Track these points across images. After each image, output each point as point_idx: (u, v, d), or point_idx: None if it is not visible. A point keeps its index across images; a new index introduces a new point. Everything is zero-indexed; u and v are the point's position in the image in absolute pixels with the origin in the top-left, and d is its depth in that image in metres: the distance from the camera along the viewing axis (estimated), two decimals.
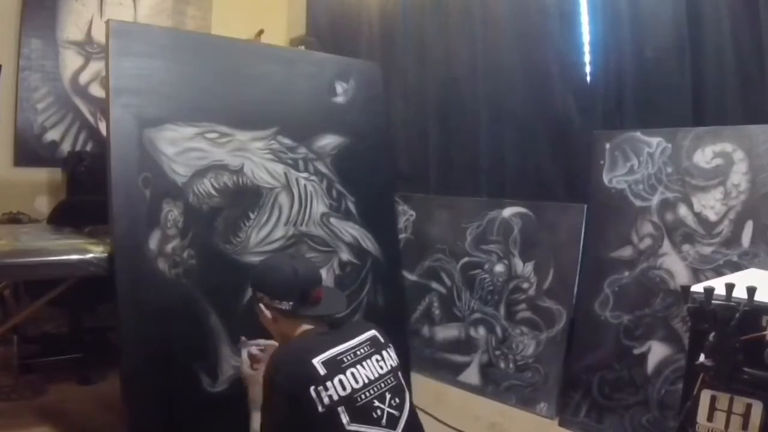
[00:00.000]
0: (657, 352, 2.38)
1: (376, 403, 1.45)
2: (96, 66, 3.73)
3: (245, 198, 2.36)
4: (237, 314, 2.28)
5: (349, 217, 2.66)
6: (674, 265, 2.38)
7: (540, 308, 2.83)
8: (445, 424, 2.65)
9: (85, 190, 3.23)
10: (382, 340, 1.59)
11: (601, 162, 2.63)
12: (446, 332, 3.20)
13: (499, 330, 2.97)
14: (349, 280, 2.62)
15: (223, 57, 2.45)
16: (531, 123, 3.05)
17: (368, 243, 2.70)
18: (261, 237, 2.38)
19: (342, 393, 1.42)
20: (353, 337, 1.54)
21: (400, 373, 1.57)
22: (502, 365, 2.92)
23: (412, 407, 1.55)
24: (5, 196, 3.45)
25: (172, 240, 2.16)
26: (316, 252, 2.53)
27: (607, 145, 2.62)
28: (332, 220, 2.60)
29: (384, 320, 2.68)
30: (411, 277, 3.35)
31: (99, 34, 3.63)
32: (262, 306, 1.62)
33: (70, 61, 3.71)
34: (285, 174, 2.48)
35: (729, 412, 1.21)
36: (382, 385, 1.50)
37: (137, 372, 2.06)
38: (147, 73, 2.19)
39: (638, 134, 2.54)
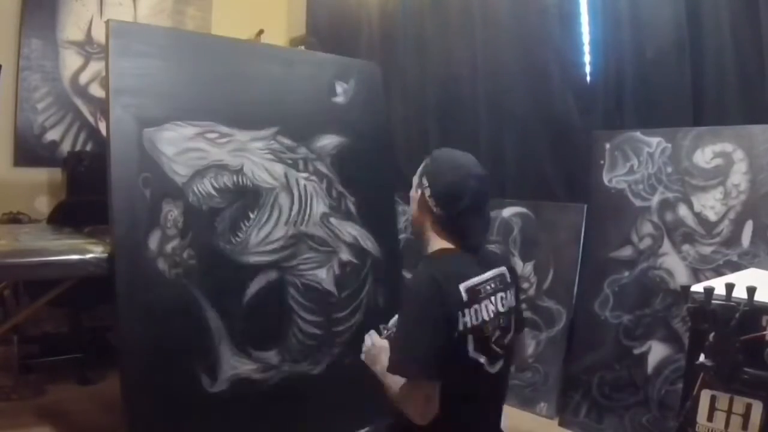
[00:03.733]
0: (657, 352, 2.38)
1: (493, 338, 1.49)
2: (96, 66, 3.73)
3: (245, 198, 2.36)
4: (237, 314, 2.27)
5: (349, 217, 2.65)
6: (674, 265, 2.38)
7: (540, 308, 2.83)
8: None
9: (85, 190, 3.22)
10: (509, 280, 1.58)
11: (601, 162, 2.63)
12: None
13: None
14: (349, 280, 2.61)
15: (223, 57, 2.45)
16: (531, 123, 3.05)
17: (368, 243, 2.70)
18: (261, 237, 2.38)
19: (475, 322, 1.44)
20: (488, 269, 1.53)
21: (513, 317, 1.58)
22: None
23: (510, 351, 1.57)
24: (5, 196, 3.45)
25: (172, 240, 2.16)
26: (315, 252, 2.53)
27: (607, 145, 2.62)
28: (332, 220, 2.60)
29: (384, 320, 2.68)
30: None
31: (99, 34, 3.63)
32: (417, 194, 1.57)
33: (70, 61, 3.71)
34: (285, 174, 2.48)
35: (729, 412, 1.21)
36: (500, 322, 1.52)
37: (137, 372, 2.06)
38: (147, 73, 2.19)
39: (638, 134, 2.54)
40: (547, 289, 2.82)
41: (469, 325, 1.43)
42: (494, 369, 1.49)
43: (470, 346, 1.44)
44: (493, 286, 1.52)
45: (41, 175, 3.65)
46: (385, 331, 1.61)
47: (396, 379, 1.41)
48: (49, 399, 2.81)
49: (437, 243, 1.54)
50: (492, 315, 1.49)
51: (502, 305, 1.53)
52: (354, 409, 2.46)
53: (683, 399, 1.37)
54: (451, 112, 3.41)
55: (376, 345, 1.57)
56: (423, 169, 1.61)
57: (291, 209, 2.49)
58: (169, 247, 2.14)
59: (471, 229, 1.55)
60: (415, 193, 1.59)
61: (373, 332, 1.62)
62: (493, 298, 1.51)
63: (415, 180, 1.60)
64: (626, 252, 2.53)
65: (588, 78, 2.88)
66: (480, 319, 1.45)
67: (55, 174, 3.63)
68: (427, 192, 1.53)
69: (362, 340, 1.62)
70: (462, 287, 1.44)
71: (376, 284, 2.68)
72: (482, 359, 1.46)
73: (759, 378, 1.16)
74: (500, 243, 3.03)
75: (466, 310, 1.43)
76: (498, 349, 1.50)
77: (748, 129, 2.27)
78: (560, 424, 2.62)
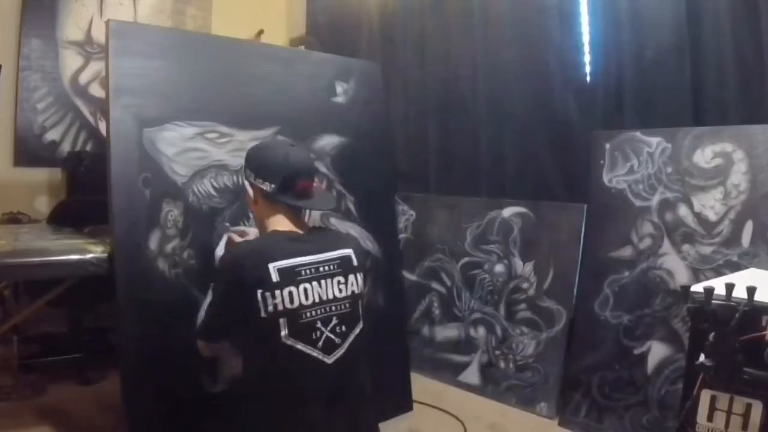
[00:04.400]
0: (657, 352, 2.38)
1: (318, 325, 1.43)
2: (96, 66, 3.73)
3: (245, 198, 2.36)
4: None
5: (349, 217, 2.65)
6: (674, 265, 2.38)
7: (540, 308, 2.83)
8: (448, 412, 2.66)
9: (85, 190, 3.22)
10: (355, 264, 1.52)
11: (601, 162, 2.63)
12: (446, 332, 3.20)
13: (499, 330, 2.97)
14: None
15: (223, 57, 2.45)
16: (531, 123, 3.05)
17: (368, 243, 2.70)
18: None
19: (288, 305, 1.40)
20: (323, 251, 1.48)
21: (360, 302, 1.52)
22: (502, 365, 2.92)
23: (361, 343, 1.50)
24: (5, 196, 3.45)
25: (172, 240, 2.16)
26: None
27: (607, 145, 2.62)
28: (332, 220, 2.60)
29: (384, 320, 2.68)
30: (411, 277, 3.35)
31: (99, 34, 3.63)
32: (247, 183, 1.59)
33: (70, 61, 3.71)
34: None
35: (729, 412, 1.21)
36: (333, 308, 1.46)
37: (137, 372, 2.06)
38: (147, 73, 2.19)
39: (638, 134, 2.54)
40: (547, 289, 2.83)
41: (280, 307, 1.39)
42: (330, 359, 1.44)
43: (283, 331, 1.39)
44: (324, 269, 1.46)
45: (41, 175, 3.65)
46: (232, 234, 1.82)
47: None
48: (49, 399, 2.81)
49: (272, 224, 1.54)
50: (316, 300, 1.43)
51: (340, 290, 1.47)
52: None
53: (683, 399, 1.37)
54: (451, 111, 3.41)
55: (218, 255, 1.75)
56: (244, 161, 1.65)
57: None
58: (169, 247, 2.14)
59: (305, 201, 1.55)
60: (248, 191, 1.60)
61: (228, 234, 1.85)
62: (323, 282, 1.45)
63: (245, 181, 1.63)
64: (626, 252, 2.53)
65: (588, 78, 2.88)
66: (297, 303, 1.40)
67: (55, 174, 3.63)
68: (252, 176, 1.58)
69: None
70: (272, 266, 1.40)
71: (376, 284, 2.68)
72: (301, 346, 1.40)
73: (759, 378, 1.16)
74: (500, 243, 3.03)
75: (276, 292, 1.39)
76: (335, 338, 1.44)
77: (748, 129, 2.27)
78: (560, 424, 2.62)
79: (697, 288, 1.31)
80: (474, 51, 3.27)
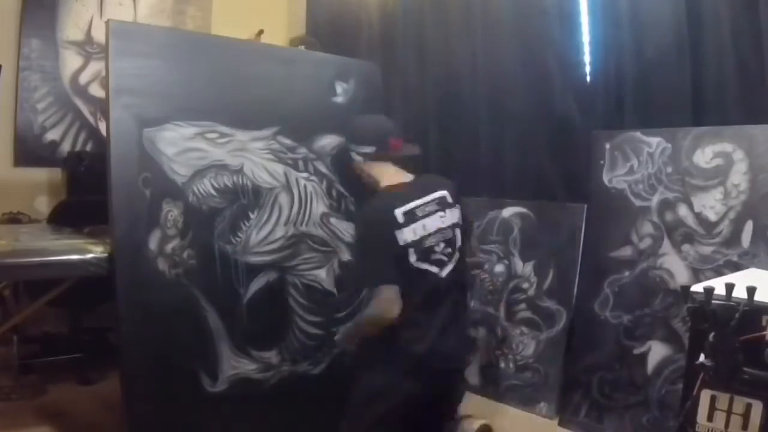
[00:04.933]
0: (657, 352, 2.38)
1: (435, 248, 1.87)
2: (96, 66, 3.73)
3: (245, 198, 2.36)
4: (237, 314, 2.28)
5: (349, 217, 2.65)
6: (674, 265, 2.38)
7: (540, 308, 2.83)
8: None
9: (85, 190, 3.22)
10: (450, 200, 1.94)
11: (601, 162, 2.63)
12: None
13: (499, 330, 2.97)
14: (349, 280, 2.62)
15: (223, 57, 2.45)
16: (531, 123, 3.05)
17: None
18: (261, 237, 2.38)
19: (413, 238, 1.84)
20: (427, 194, 1.92)
21: (457, 230, 1.95)
22: (502, 365, 2.92)
23: (461, 263, 1.95)
24: (5, 196, 3.45)
25: (172, 240, 2.16)
26: (315, 252, 2.53)
27: (607, 145, 2.62)
28: (332, 220, 2.60)
29: None
30: None
31: (99, 34, 3.63)
32: (353, 155, 2.01)
33: (70, 61, 3.71)
34: (285, 174, 2.48)
35: (729, 412, 1.21)
36: (441, 236, 1.89)
37: (137, 372, 2.06)
38: (147, 73, 2.19)
39: (638, 134, 2.54)
40: (547, 289, 2.82)
41: (409, 240, 1.84)
42: (443, 272, 1.88)
43: (412, 258, 1.84)
44: (431, 207, 1.90)
45: (41, 175, 3.65)
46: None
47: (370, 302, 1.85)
48: (49, 399, 2.81)
49: (383, 179, 1.99)
50: (431, 231, 1.87)
51: (442, 222, 1.90)
52: None
53: (683, 399, 1.37)
54: (451, 112, 3.41)
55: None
56: (346, 142, 2.15)
57: (291, 209, 2.49)
58: (169, 247, 2.15)
59: (395, 152, 2.02)
60: (357, 166, 2.04)
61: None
62: (432, 216, 1.89)
63: (347, 156, 2.07)
64: (626, 252, 2.53)
65: (588, 78, 2.88)
66: (418, 235, 1.85)
67: (55, 174, 3.63)
68: (353, 146, 2.02)
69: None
70: (398, 212, 1.85)
71: None
72: (425, 266, 1.85)
73: (759, 378, 1.16)
74: (500, 243, 3.03)
75: (404, 229, 1.83)
76: (444, 257, 1.89)
77: (748, 129, 2.26)
78: (560, 424, 2.62)
79: (697, 288, 1.31)
80: (474, 51, 3.27)
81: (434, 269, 1.87)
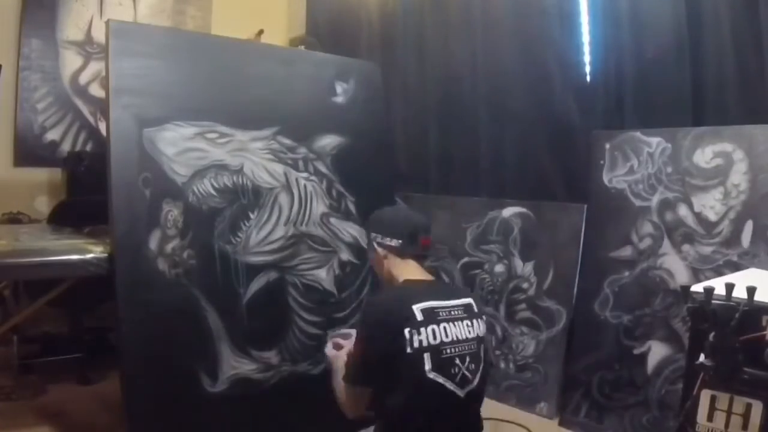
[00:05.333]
0: (657, 352, 2.38)
1: (457, 361, 1.57)
2: (96, 66, 3.72)
3: (245, 198, 2.36)
4: (237, 314, 2.27)
5: (349, 217, 2.65)
6: (674, 265, 2.38)
7: (540, 308, 2.83)
8: None
9: (85, 190, 3.22)
10: (476, 310, 1.69)
11: (601, 162, 2.63)
12: None
13: (499, 330, 2.97)
14: (349, 280, 2.61)
15: (223, 57, 2.45)
16: (531, 123, 3.05)
17: None
18: (261, 237, 2.38)
19: (432, 341, 1.54)
20: (452, 298, 1.66)
21: (482, 346, 1.67)
22: (502, 365, 2.92)
23: (483, 381, 1.65)
24: (5, 196, 3.45)
25: (172, 240, 2.16)
26: (315, 252, 2.53)
27: (607, 145, 2.62)
28: (332, 220, 2.60)
29: None
30: None
31: (99, 34, 3.63)
32: (375, 244, 1.77)
33: (70, 61, 3.71)
34: (285, 174, 2.48)
35: (729, 412, 1.21)
36: (466, 347, 1.60)
37: (137, 372, 2.06)
38: (147, 73, 2.19)
39: (638, 134, 2.54)
40: (547, 289, 2.82)
41: (425, 343, 1.53)
42: (463, 392, 1.57)
43: (427, 366, 1.52)
44: (456, 312, 1.62)
45: (41, 175, 3.65)
46: (336, 338, 1.83)
47: (340, 381, 1.63)
48: (49, 399, 2.81)
49: (403, 275, 1.72)
50: (454, 338, 1.58)
51: (469, 332, 1.62)
52: None
53: (683, 399, 1.37)
54: (451, 112, 3.41)
55: (330, 354, 1.79)
56: (367, 228, 1.86)
57: (291, 209, 2.49)
58: (169, 247, 2.14)
59: (423, 250, 1.76)
60: (372, 249, 1.79)
61: (331, 342, 1.83)
62: (456, 323, 1.60)
63: (370, 243, 1.81)
64: (626, 252, 2.53)
65: (588, 78, 2.88)
66: (438, 340, 1.55)
67: (55, 174, 3.63)
68: (378, 237, 1.77)
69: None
70: (416, 307, 1.55)
71: (376, 284, 2.68)
72: (442, 380, 1.54)
73: (759, 378, 1.16)
74: (500, 243, 3.03)
75: (422, 329, 1.53)
76: (468, 374, 1.58)
77: (748, 129, 2.27)
78: (560, 424, 2.62)
79: (697, 288, 1.31)
80: (474, 51, 3.27)
81: (452, 387, 1.55)
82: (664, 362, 2.35)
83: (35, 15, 3.59)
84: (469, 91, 3.31)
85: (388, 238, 1.74)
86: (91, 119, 3.76)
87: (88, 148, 3.71)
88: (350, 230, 2.64)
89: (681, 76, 2.51)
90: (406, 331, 1.52)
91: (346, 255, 2.62)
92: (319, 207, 2.57)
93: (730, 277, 1.59)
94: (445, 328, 1.57)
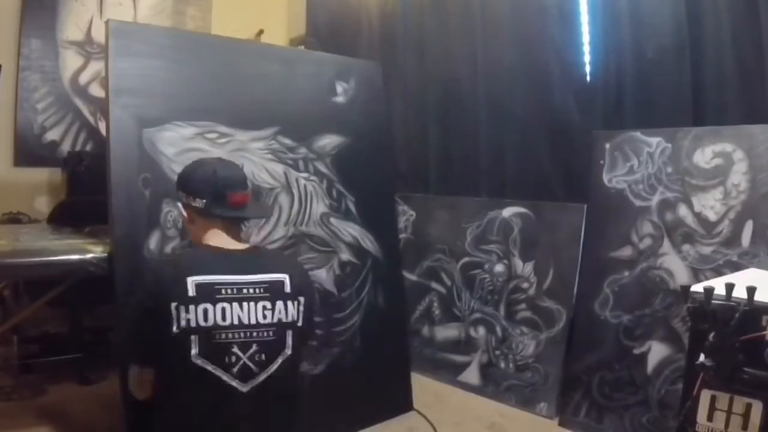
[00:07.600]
0: (657, 352, 2.38)
1: (235, 349, 1.35)
2: (96, 66, 3.73)
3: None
4: None
5: (349, 217, 2.65)
6: (674, 265, 2.38)
7: (540, 308, 2.83)
8: None
9: (85, 190, 3.22)
10: (288, 290, 1.43)
11: (601, 162, 2.63)
12: (446, 332, 3.20)
13: (499, 330, 2.97)
14: (349, 280, 2.62)
15: (223, 57, 2.45)
16: (531, 123, 3.05)
17: (368, 243, 2.70)
18: (261, 237, 2.38)
19: (201, 323, 1.33)
20: (251, 273, 1.41)
21: (290, 333, 1.43)
22: (502, 365, 2.92)
23: (286, 375, 1.43)
24: (5, 196, 3.45)
25: (172, 240, 2.16)
26: (316, 252, 2.53)
27: (607, 145, 2.62)
28: (332, 220, 2.60)
29: (384, 320, 2.68)
30: (411, 277, 3.35)
31: (99, 34, 3.63)
32: (180, 205, 1.56)
33: (70, 61, 3.71)
34: (285, 174, 2.48)
35: (729, 412, 1.21)
36: (254, 334, 1.37)
37: None
38: (147, 73, 2.19)
39: (638, 134, 2.54)
40: (547, 289, 2.82)
41: (193, 324, 1.32)
42: (245, 387, 1.36)
43: (193, 349, 1.32)
44: (249, 291, 1.39)
45: (41, 175, 3.65)
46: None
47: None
48: (49, 399, 2.81)
49: (206, 240, 1.49)
50: (235, 323, 1.36)
51: (263, 316, 1.39)
52: (354, 409, 2.46)
53: (683, 399, 1.37)
54: (451, 112, 3.41)
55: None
56: (176, 189, 1.60)
57: (291, 209, 2.49)
58: (169, 248, 2.14)
59: (238, 210, 1.50)
60: (182, 212, 1.57)
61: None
62: (244, 305, 1.37)
63: (178, 203, 1.59)
64: (626, 252, 2.53)
65: (588, 78, 2.88)
66: (211, 322, 1.34)
67: (55, 174, 3.63)
68: (183, 196, 1.52)
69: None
70: (190, 281, 1.34)
71: (376, 284, 2.68)
72: (211, 368, 1.34)
73: (759, 378, 1.16)
74: (500, 243, 3.03)
75: (191, 306, 1.32)
76: (252, 366, 1.36)
77: (748, 129, 2.27)
78: (560, 424, 2.62)
79: (697, 288, 1.31)
80: (474, 51, 3.27)
81: (228, 379, 1.34)
82: (664, 362, 2.35)
83: (35, 15, 3.59)
84: (469, 91, 3.31)
85: (192, 198, 1.49)
86: (91, 119, 3.77)
87: (88, 148, 3.72)
88: (350, 230, 2.64)
89: (681, 76, 2.51)
90: (173, 306, 1.31)
91: (346, 255, 2.62)
92: (319, 207, 2.57)
93: (730, 277, 1.59)
94: (224, 308, 1.34)
